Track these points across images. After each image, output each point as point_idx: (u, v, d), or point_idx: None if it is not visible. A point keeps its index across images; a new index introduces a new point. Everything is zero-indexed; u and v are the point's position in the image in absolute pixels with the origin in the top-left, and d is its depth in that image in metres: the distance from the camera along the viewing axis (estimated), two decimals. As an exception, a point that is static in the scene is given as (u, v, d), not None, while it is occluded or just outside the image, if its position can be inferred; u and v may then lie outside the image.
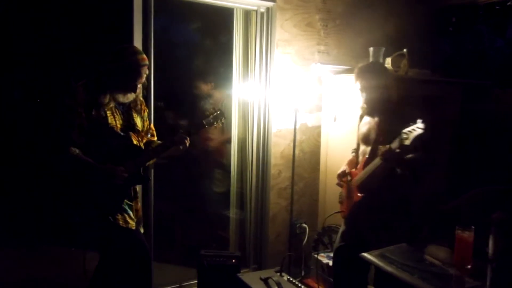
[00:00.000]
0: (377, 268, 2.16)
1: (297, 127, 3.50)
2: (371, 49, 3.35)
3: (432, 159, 2.68)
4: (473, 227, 1.99)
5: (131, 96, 2.43)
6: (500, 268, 1.81)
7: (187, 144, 2.52)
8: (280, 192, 3.69)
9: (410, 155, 2.56)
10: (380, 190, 2.66)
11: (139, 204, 2.63)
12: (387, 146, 2.53)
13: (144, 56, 2.39)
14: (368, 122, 2.77)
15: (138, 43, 3.02)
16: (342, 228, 2.96)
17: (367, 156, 2.72)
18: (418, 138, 2.48)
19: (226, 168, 3.92)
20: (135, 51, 2.37)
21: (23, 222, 4.23)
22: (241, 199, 3.80)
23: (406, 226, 2.65)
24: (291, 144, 3.51)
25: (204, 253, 3.20)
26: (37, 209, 4.24)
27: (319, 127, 3.74)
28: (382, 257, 2.16)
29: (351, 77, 2.79)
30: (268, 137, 3.58)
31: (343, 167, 2.93)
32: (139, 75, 2.35)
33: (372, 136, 2.71)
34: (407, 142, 2.43)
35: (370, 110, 2.75)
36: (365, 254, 2.22)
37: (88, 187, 2.31)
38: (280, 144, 3.64)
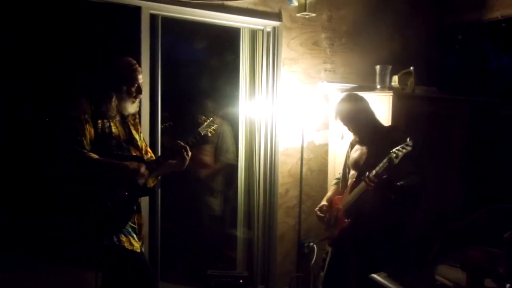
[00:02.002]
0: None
1: (304, 145, 3.49)
2: (377, 67, 3.36)
3: (424, 184, 2.58)
4: (484, 246, 1.96)
5: (137, 104, 2.47)
6: (514, 289, 1.78)
7: (188, 155, 2.53)
8: (288, 211, 3.67)
9: (402, 182, 2.51)
10: (369, 215, 2.60)
11: (143, 219, 2.61)
12: (373, 171, 2.48)
13: (131, 59, 2.45)
14: (359, 148, 2.78)
15: (145, 62, 3.06)
16: (329, 255, 2.94)
17: (354, 180, 2.69)
18: (414, 162, 2.45)
19: (217, 194, 4.04)
20: (122, 56, 2.45)
21: (33, 241, 4.22)
22: (249, 218, 3.77)
23: (395, 253, 2.57)
24: (299, 163, 3.50)
25: (211, 273, 3.18)
26: (48, 228, 4.23)
27: (326, 145, 3.73)
28: (392, 278, 2.13)
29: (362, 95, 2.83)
30: (275, 156, 3.57)
31: (322, 202, 2.93)
32: (137, 72, 2.41)
33: (362, 160, 2.71)
34: (395, 161, 2.39)
35: (361, 139, 2.78)
36: (375, 276, 2.18)
37: (93, 201, 2.27)
38: (287, 163, 3.63)
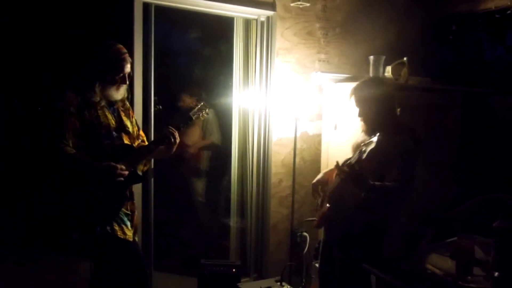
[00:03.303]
0: (378, 278, 2.15)
1: (298, 135, 3.49)
2: (371, 57, 3.36)
3: (407, 190, 2.34)
4: (474, 236, 1.98)
5: (123, 91, 2.45)
6: (502, 277, 1.80)
7: (177, 140, 2.52)
8: (281, 201, 3.68)
9: (377, 182, 2.30)
10: (346, 205, 2.46)
11: (135, 205, 2.61)
12: (347, 162, 2.37)
13: (122, 46, 2.43)
14: (363, 135, 2.59)
15: (138, 51, 3.04)
16: (321, 244, 2.83)
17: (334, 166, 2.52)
18: (400, 170, 2.30)
19: (203, 175, 4.13)
20: (113, 43, 2.42)
21: (25, 230, 4.22)
22: (242, 207, 3.78)
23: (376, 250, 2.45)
24: (292, 153, 3.50)
25: (204, 262, 3.19)
26: (39, 218, 4.23)
27: (319, 135, 3.74)
28: (382, 266, 2.15)
29: (352, 85, 2.74)
30: (269, 146, 3.58)
31: (320, 175, 2.77)
32: (125, 62, 2.39)
33: (359, 148, 2.54)
34: (363, 156, 2.32)
35: (367, 128, 2.54)
36: (366, 265, 2.20)
37: (85, 190, 2.28)
38: (280, 153, 3.63)
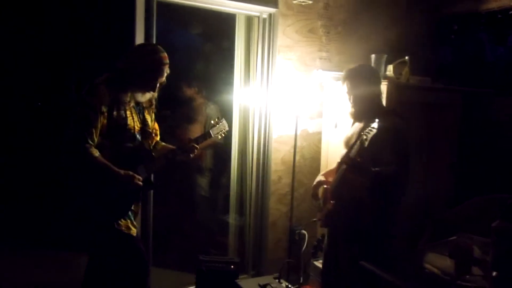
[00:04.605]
0: (377, 276, 2.15)
1: (298, 133, 3.49)
2: (372, 56, 3.35)
3: (407, 172, 2.42)
4: (473, 235, 1.98)
5: (148, 95, 2.42)
6: (501, 277, 1.80)
7: (196, 153, 2.57)
8: (280, 198, 3.69)
9: (378, 168, 2.34)
10: (351, 199, 2.49)
11: (139, 207, 2.62)
12: (349, 154, 2.39)
13: (166, 54, 2.37)
14: (354, 127, 2.65)
15: (139, 47, 3.03)
16: (325, 241, 2.86)
17: (339, 161, 2.59)
18: (395, 153, 2.35)
19: (205, 173, 4.12)
20: (158, 49, 2.35)
21: (24, 225, 4.23)
22: (241, 204, 3.79)
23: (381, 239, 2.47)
24: (292, 150, 3.50)
25: (203, 258, 3.19)
26: (38, 212, 4.24)
27: (320, 133, 3.74)
28: (382, 265, 2.15)
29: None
30: (269, 143, 3.58)
31: (318, 177, 2.81)
32: (161, 73, 2.34)
33: (352, 140, 2.55)
34: (365, 143, 2.33)
35: (357, 114, 2.61)
36: (364, 263, 2.20)
37: (99, 189, 2.28)
38: (280, 150, 3.63)
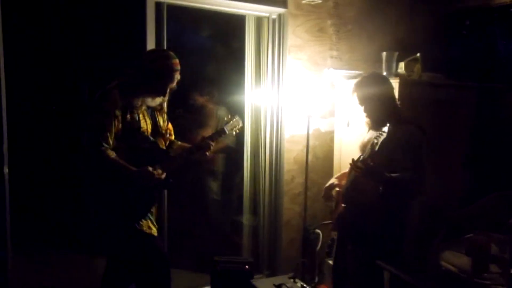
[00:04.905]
0: (393, 275, 2.14)
1: (310, 132, 3.49)
2: (384, 53, 3.34)
3: (423, 180, 2.41)
4: (490, 232, 1.96)
5: (158, 100, 2.44)
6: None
7: (211, 151, 2.57)
8: (293, 198, 3.69)
9: (393, 174, 2.34)
10: (362, 203, 2.48)
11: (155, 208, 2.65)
12: (361, 157, 2.38)
13: (178, 61, 2.38)
14: (372, 133, 2.62)
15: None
16: (335, 243, 2.87)
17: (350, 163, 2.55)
18: (410, 157, 2.34)
19: (218, 176, 4.10)
20: (170, 55, 2.37)
21: (40, 227, 4.28)
22: (254, 204, 3.80)
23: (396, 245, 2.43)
24: (304, 150, 3.50)
25: (218, 259, 3.21)
26: (55, 215, 4.29)
27: (332, 132, 3.73)
28: (397, 264, 2.15)
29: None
30: (281, 143, 3.58)
31: (332, 179, 2.82)
32: (171, 79, 2.36)
33: (368, 145, 2.56)
34: (376, 148, 2.34)
35: (373, 123, 2.59)
36: (381, 262, 2.20)
37: (119, 190, 2.31)
38: (293, 150, 3.63)
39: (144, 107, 2.41)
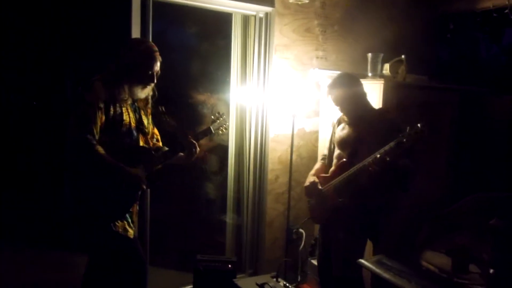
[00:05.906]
0: (374, 274, 2.16)
1: (295, 132, 3.49)
2: (369, 55, 3.36)
3: (416, 168, 2.55)
4: (470, 233, 1.99)
5: (148, 90, 2.42)
6: (498, 274, 1.81)
7: (197, 150, 2.53)
8: (277, 197, 3.69)
9: (403, 163, 2.44)
10: (364, 194, 2.56)
11: (136, 207, 2.61)
12: (377, 155, 2.39)
13: (154, 44, 2.40)
14: (346, 128, 2.73)
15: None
16: (319, 241, 2.93)
17: (344, 159, 2.65)
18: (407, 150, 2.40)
19: (207, 175, 4.06)
20: (145, 40, 2.45)
21: (25, 225, 4.21)
22: (238, 204, 3.78)
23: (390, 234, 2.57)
24: (289, 149, 3.51)
25: (200, 258, 3.19)
26: (39, 212, 4.22)
27: (316, 132, 3.74)
28: (379, 263, 2.16)
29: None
30: (266, 142, 3.58)
31: (311, 178, 2.86)
32: (154, 61, 2.35)
33: (351, 140, 2.66)
34: (406, 145, 2.33)
35: (351, 120, 2.71)
36: (362, 261, 2.21)
37: (99, 187, 2.26)
38: (277, 149, 3.63)
39: (129, 101, 2.38)
